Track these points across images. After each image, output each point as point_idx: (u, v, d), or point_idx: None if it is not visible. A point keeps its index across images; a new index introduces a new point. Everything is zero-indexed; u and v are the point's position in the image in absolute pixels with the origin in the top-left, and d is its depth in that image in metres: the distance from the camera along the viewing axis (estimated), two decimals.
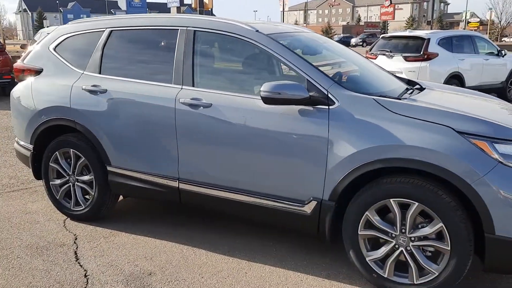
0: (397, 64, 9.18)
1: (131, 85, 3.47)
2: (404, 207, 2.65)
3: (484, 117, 2.66)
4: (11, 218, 3.91)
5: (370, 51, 10.38)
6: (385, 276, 2.75)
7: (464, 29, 48.97)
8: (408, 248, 2.67)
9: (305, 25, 79.57)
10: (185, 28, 3.38)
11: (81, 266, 3.12)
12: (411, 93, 3.31)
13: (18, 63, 4.17)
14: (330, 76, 2.98)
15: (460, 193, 2.51)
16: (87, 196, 3.82)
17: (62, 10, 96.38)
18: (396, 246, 2.70)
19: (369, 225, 2.77)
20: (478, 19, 64.89)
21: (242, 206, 3.15)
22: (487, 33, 48.09)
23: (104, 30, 3.73)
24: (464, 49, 9.72)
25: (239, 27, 3.24)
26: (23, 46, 17.90)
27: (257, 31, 3.19)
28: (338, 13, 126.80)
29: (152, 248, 3.38)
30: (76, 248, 3.38)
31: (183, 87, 3.27)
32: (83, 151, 3.67)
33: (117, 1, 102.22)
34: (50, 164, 3.85)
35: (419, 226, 2.65)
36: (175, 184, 3.36)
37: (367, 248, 2.82)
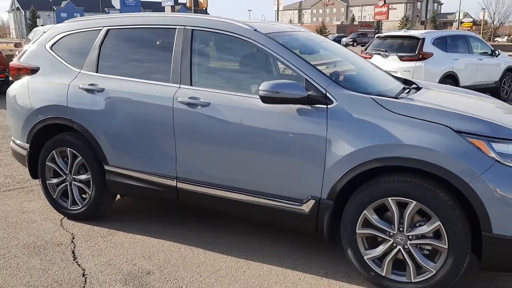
0: (392, 63, 9.20)
1: (129, 84, 3.46)
2: (402, 206, 2.66)
3: (481, 116, 2.68)
4: (8, 218, 3.89)
5: (365, 50, 10.41)
6: (383, 274, 2.77)
7: (458, 29, 49.24)
8: (406, 247, 2.69)
9: (299, 24, 79.67)
10: (183, 27, 3.38)
11: (79, 265, 3.12)
12: (408, 92, 3.33)
13: (14, 62, 4.13)
14: (328, 75, 2.99)
15: (457, 192, 2.53)
16: (84, 195, 3.81)
17: (55, 8, 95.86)
18: (394, 244, 2.72)
19: (367, 223, 2.78)
20: (471, 19, 65.31)
21: (240, 205, 3.15)
22: (480, 33, 48.35)
23: (101, 29, 3.72)
24: (459, 49, 9.77)
25: (237, 27, 3.24)
26: (17, 45, 17.78)
27: (255, 30, 3.19)
28: (333, 13, 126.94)
29: (150, 247, 3.38)
30: (74, 247, 3.37)
31: (181, 86, 3.27)
32: (80, 150, 3.65)
33: None
34: (46, 163, 3.84)
35: (417, 224, 2.67)
36: (172, 183, 3.36)
37: (365, 247, 2.83)
